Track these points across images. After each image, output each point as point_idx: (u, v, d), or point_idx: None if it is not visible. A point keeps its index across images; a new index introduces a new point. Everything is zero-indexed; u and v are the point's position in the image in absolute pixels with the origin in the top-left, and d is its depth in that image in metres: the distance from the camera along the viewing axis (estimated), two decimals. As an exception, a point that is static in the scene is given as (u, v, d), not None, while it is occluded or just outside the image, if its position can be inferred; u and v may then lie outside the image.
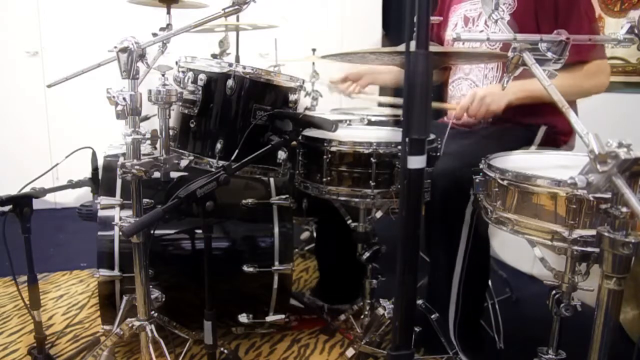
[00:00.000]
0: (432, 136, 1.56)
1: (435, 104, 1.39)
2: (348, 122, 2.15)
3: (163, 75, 1.36)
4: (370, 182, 1.46)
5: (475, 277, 1.57)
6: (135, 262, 1.40)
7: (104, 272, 1.56)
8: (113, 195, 1.62)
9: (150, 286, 1.48)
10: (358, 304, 1.81)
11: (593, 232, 0.95)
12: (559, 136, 1.71)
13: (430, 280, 1.64)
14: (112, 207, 1.60)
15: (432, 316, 1.55)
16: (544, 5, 1.61)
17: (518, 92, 1.55)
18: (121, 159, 1.36)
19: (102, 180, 1.68)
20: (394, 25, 3.88)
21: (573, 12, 1.57)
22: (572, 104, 1.62)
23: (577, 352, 1.08)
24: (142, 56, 1.28)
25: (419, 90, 0.82)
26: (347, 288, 1.99)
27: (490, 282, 1.84)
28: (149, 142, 1.37)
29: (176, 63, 1.51)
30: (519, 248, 2.34)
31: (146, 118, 1.97)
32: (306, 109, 2.38)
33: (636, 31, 1.10)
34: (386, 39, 3.80)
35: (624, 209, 0.82)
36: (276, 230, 1.70)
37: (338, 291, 2.04)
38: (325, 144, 1.49)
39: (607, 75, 1.64)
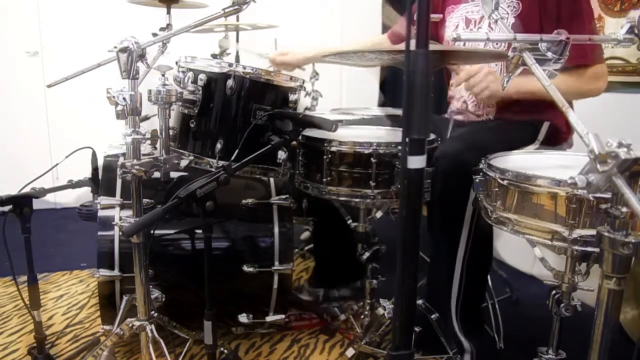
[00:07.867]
0: (432, 136, 1.56)
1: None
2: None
3: (163, 75, 1.36)
4: (371, 182, 1.46)
5: (478, 258, 1.56)
6: (135, 262, 1.40)
7: (104, 272, 1.56)
8: (113, 195, 1.62)
9: (150, 286, 1.48)
10: (358, 304, 1.81)
11: (593, 232, 0.95)
12: (561, 133, 1.73)
13: (431, 263, 1.62)
14: (112, 207, 1.60)
15: (432, 316, 1.55)
16: (547, 8, 1.62)
17: (518, 87, 1.56)
18: (121, 159, 1.36)
19: (102, 180, 1.68)
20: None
21: (575, 15, 1.58)
22: (569, 104, 1.63)
23: (577, 352, 1.08)
24: (142, 56, 1.28)
25: (419, 90, 0.82)
26: (343, 272, 2.00)
27: (490, 282, 1.84)
28: (149, 142, 1.37)
29: (176, 63, 1.51)
30: (519, 248, 2.34)
31: (146, 118, 1.97)
32: (306, 109, 2.38)
33: (636, 31, 1.11)
34: (387, 4, 3.68)
35: (624, 209, 0.82)
36: (276, 230, 1.70)
37: (334, 277, 2.06)
38: (325, 144, 1.49)
39: (606, 80, 1.67)
